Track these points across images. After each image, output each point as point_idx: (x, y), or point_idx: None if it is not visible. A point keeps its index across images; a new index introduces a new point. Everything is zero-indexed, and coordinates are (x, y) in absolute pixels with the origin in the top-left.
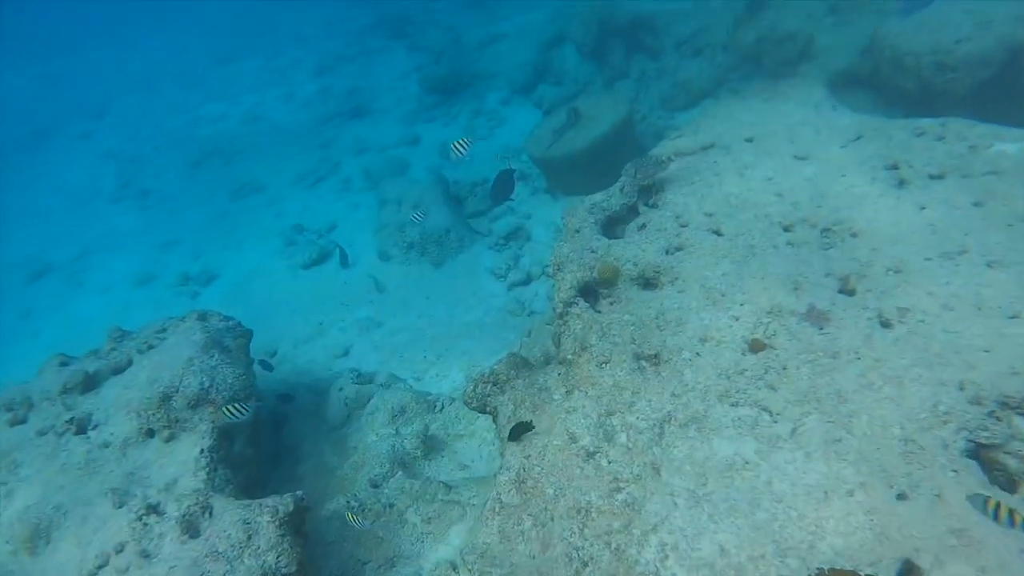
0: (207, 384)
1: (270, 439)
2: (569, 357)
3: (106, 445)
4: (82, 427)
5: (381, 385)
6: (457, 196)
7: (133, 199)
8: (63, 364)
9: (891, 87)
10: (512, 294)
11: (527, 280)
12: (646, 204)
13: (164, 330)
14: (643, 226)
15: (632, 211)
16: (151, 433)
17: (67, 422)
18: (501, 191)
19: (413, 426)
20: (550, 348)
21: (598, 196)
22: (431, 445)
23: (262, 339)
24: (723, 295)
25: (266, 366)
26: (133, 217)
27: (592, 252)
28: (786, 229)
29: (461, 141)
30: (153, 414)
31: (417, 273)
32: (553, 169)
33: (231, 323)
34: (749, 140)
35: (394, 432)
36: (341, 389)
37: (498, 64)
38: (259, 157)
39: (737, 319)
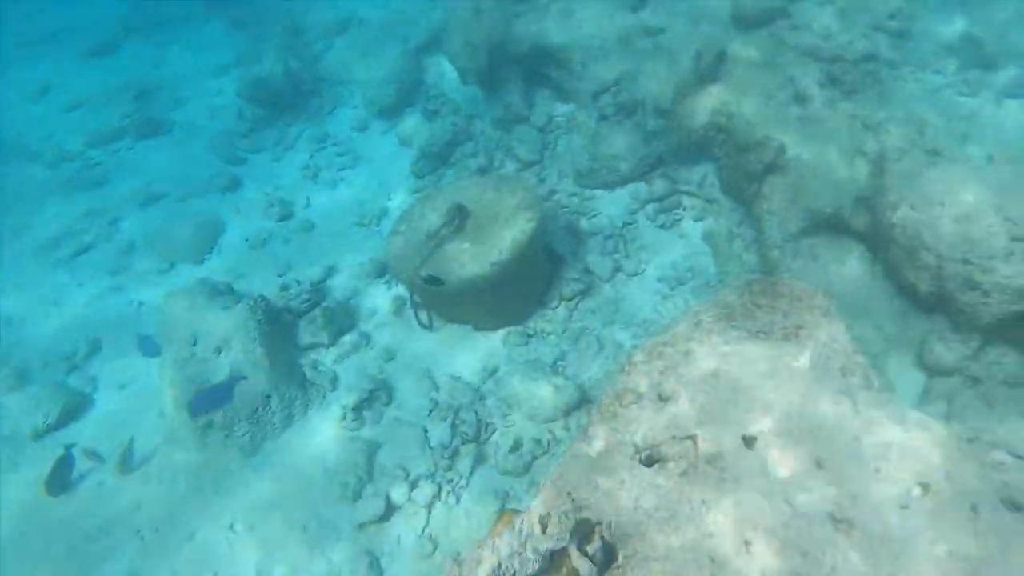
0: None
1: None
2: None
3: None
4: None
5: None
6: (288, 310)
7: None
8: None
9: (898, 273)
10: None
11: (385, 513)
12: (582, 551)
13: None
14: None
15: (557, 567)
16: None
17: None
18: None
19: None
20: None
21: (503, 547)
22: None
23: None
24: None
25: None
26: None
27: None
28: None
29: None
30: None
31: (218, 468)
32: (428, 295)
33: None
34: (748, 442)
35: None
36: None
37: (352, 66)
38: None
39: None
